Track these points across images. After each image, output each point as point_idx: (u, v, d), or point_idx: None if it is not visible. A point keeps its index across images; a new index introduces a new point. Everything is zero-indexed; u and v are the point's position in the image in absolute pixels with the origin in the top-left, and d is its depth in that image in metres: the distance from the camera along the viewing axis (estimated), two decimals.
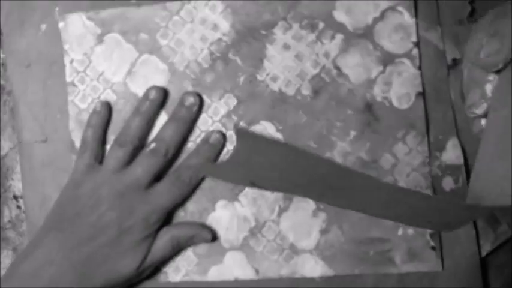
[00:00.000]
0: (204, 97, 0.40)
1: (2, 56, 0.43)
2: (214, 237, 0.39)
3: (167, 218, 0.39)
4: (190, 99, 0.39)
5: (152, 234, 0.37)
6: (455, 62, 0.38)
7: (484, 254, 0.38)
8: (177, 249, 0.39)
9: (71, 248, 0.35)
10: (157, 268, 0.40)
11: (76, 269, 0.35)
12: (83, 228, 0.36)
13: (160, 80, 0.40)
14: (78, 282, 0.35)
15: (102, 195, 0.36)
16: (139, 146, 0.38)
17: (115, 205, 0.36)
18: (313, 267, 0.39)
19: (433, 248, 0.38)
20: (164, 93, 0.39)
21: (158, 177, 0.38)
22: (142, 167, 0.37)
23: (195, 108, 0.39)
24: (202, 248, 0.40)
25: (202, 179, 0.39)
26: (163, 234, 0.38)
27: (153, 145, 0.38)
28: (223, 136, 0.39)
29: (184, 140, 0.39)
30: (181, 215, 0.40)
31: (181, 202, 0.39)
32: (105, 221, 0.36)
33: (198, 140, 0.40)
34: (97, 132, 0.39)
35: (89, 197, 0.37)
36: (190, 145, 0.40)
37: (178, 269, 0.40)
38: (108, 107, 0.40)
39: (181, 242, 0.38)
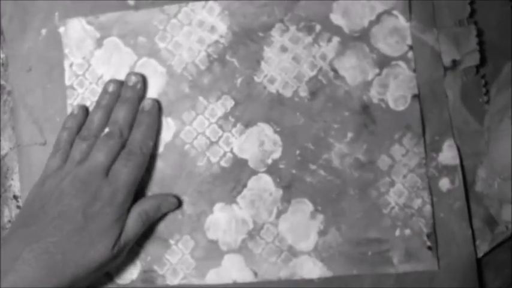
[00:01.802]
0: (201, 99, 0.40)
1: (2, 56, 0.43)
2: (180, 203, 0.40)
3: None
4: (133, 79, 0.40)
5: (123, 215, 0.37)
6: (454, 63, 0.39)
7: (481, 254, 0.38)
8: (147, 223, 0.39)
9: (36, 241, 0.35)
10: (153, 271, 0.40)
11: (44, 262, 0.34)
12: (47, 220, 0.36)
13: (159, 83, 0.41)
14: (48, 274, 0.34)
15: (65, 186, 0.37)
16: None
17: (78, 193, 0.36)
18: (311, 269, 0.39)
19: (429, 247, 0.38)
20: (121, 85, 0.40)
21: None
22: (101, 151, 0.38)
23: (139, 86, 0.40)
24: (200, 251, 0.40)
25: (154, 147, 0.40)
26: (131, 213, 0.38)
27: (107, 129, 0.39)
28: (157, 100, 0.40)
29: (134, 116, 0.40)
30: (178, 218, 0.40)
31: (140, 175, 0.39)
32: (70, 210, 0.36)
33: (195, 142, 0.40)
34: (71, 135, 0.40)
35: (53, 190, 0.37)
36: (187, 147, 0.40)
37: (176, 273, 0.40)
38: (85, 111, 0.41)
39: (150, 215, 0.39)
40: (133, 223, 0.38)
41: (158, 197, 0.40)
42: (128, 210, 0.38)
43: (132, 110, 0.39)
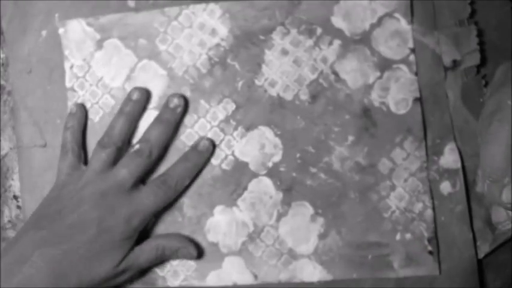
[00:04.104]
0: (202, 102, 0.40)
1: (2, 56, 0.43)
2: (200, 255, 0.39)
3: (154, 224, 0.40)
4: (175, 101, 0.39)
5: (133, 237, 0.37)
6: (455, 64, 0.39)
7: (482, 255, 0.38)
8: (160, 259, 0.38)
9: (47, 246, 0.35)
10: (153, 273, 0.40)
11: (50, 268, 0.34)
12: (62, 226, 0.35)
13: (159, 85, 0.40)
14: (52, 281, 0.34)
15: (84, 195, 0.36)
16: (123, 147, 0.39)
17: (97, 205, 0.36)
18: (311, 272, 0.39)
19: (430, 252, 0.38)
20: (147, 94, 0.40)
21: (142, 180, 0.39)
22: (126, 168, 0.37)
23: (179, 110, 0.39)
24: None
25: (188, 185, 0.39)
26: (150, 241, 0.38)
27: (137, 146, 0.38)
28: (213, 144, 0.40)
29: (169, 142, 0.40)
30: (178, 220, 0.40)
31: (162, 207, 0.39)
32: (86, 220, 0.36)
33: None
34: (74, 133, 0.39)
35: (72, 196, 0.37)
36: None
37: (177, 274, 0.40)
38: (83, 109, 0.40)
39: (166, 253, 0.38)
40: (148, 251, 0.38)
41: (182, 241, 0.39)
42: (138, 235, 0.38)
43: (166, 132, 0.39)
